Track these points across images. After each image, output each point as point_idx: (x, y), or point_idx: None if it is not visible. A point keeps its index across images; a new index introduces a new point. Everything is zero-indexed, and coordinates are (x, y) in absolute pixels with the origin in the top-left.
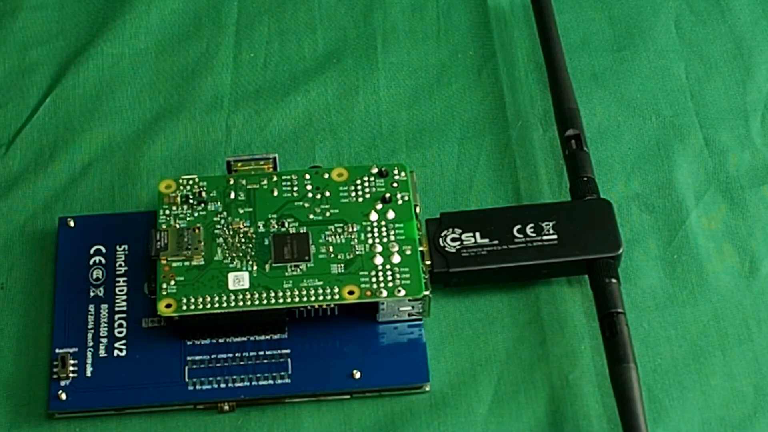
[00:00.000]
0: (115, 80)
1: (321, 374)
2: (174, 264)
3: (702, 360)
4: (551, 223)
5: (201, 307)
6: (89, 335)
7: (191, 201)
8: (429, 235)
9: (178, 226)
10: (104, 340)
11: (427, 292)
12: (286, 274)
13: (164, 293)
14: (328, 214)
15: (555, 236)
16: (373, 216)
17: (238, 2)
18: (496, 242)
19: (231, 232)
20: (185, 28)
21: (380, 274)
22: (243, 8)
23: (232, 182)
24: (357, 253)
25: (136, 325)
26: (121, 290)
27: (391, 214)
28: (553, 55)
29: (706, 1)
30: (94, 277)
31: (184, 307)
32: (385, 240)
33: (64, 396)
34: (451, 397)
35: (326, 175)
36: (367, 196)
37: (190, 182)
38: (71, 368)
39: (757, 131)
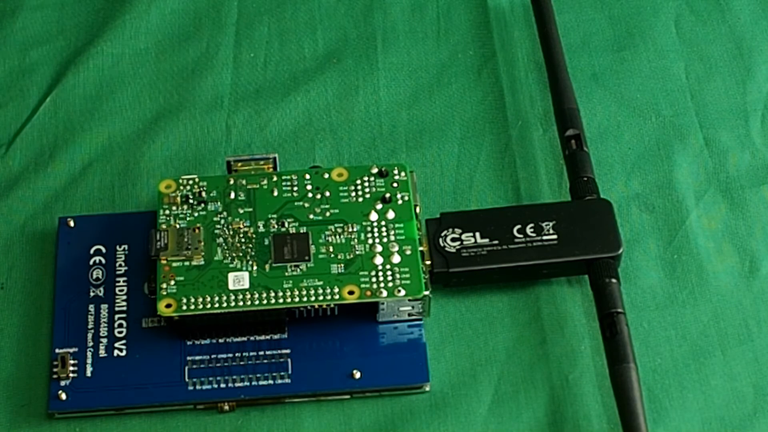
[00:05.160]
0: (115, 80)
1: (321, 374)
2: (174, 264)
3: (702, 360)
4: (551, 223)
5: (201, 307)
6: (89, 335)
7: (191, 201)
8: (429, 235)
9: (178, 226)
10: (104, 340)
11: (427, 292)
12: (286, 274)
13: (164, 293)
14: (328, 214)
15: (555, 236)
16: (373, 216)
17: (238, 2)
18: (496, 242)
19: (231, 232)
20: (185, 28)
21: (380, 274)
22: (243, 8)
23: (232, 182)
24: (357, 253)
25: (136, 325)
26: (121, 290)
27: (391, 214)
28: (553, 55)
29: (706, 1)
30: (94, 277)
31: (184, 307)
32: (385, 240)
33: (64, 396)
34: (451, 397)
35: (326, 175)
36: (367, 196)
37: (190, 182)
38: (71, 368)
39: (757, 131)
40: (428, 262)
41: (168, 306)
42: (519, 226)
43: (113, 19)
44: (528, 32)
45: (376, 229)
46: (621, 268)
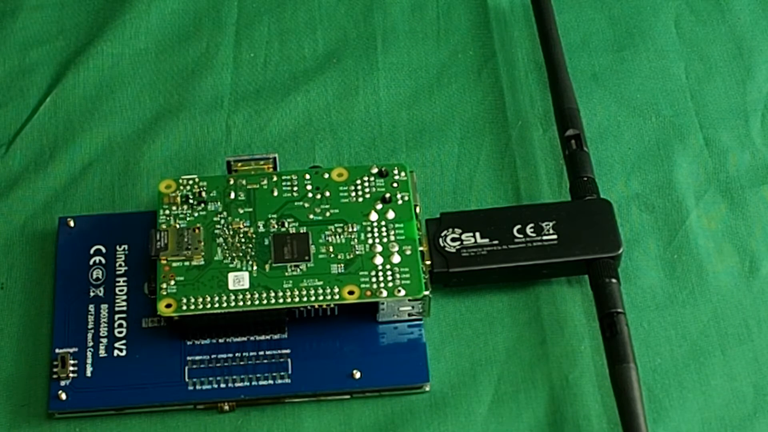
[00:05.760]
0: (115, 80)
1: (321, 374)
2: (174, 264)
3: (702, 360)
4: (551, 223)
5: (201, 307)
6: (89, 335)
7: (191, 201)
8: (429, 235)
9: (178, 226)
10: (104, 340)
11: (427, 292)
12: (286, 274)
13: (164, 293)
14: (328, 214)
15: (555, 236)
16: (373, 216)
17: (238, 2)
18: (496, 242)
19: (231, 232)
20: (185, 28)
21: (380, 274)
22: (243, 8)
23: (232, 182)
24: (357, 253)
25: (136, 325)
26: (121, 290)
27: (391, 214)
28: (553, 55)
29: (706, 1)
30: (94, 277)
31: (184, 307)
32: (385, 240)
33: (64, 396)
34: (451, 397)
35: (326, 175)
36: (367, 196)
37: (190, 182)
38: (71, 368)
39: (757, 131)
40: (428, 262)
41: (168, 306)
42: (519, 226)
43: (113, 19)
44: (528, 32)
45: (376, 229)
46: (621, 268)
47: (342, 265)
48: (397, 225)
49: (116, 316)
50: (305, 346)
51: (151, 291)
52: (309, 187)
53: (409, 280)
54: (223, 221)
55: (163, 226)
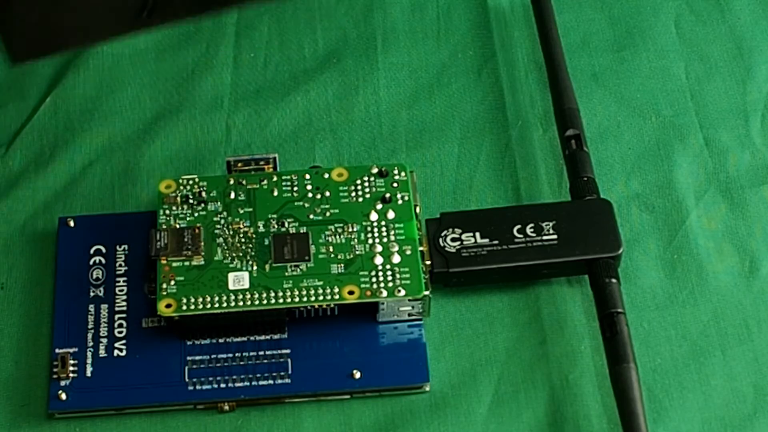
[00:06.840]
0: (115, 80)
1: (321, 374)
2: (174, 264)
3: (702, 360)
4: (551, 223)
5: (201, 307)
6: (89, 335)
7: (191, 201)
8: (429, 235)
9: (178, 226)
10: (104, 340)
11: (427, 292)
12: (286, 274)
13: (164, 293)
14: (328, 214)
15: (555, 236)
16: (373, 216)
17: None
18: (496, 242)
19: (231, 232)
20: (185, 28)
21: (380, 274)
22: (243, 8)
23: (232, 182)
24: (357, 253)
25: (136, 325)
26: (121, 290)
27: (391, 214)
28: (553, 55)
29: (706, 1)
30: (94, 277)
31: (184, 307)
32: (385, 240)
33: (64, 396)
34: (451, 397)
35: (326, 175)
36: (367, 196)
37: (190, 182)
38: (71, 368)
39: (757, 131)
40: (428, 262)
41: (168, 306)
42: (519, 226)
43: None
44: (528, 32)
45: (376, 229)
46: (621, 268)
47: (342, 265)
48: (397, 225)
49: (116, 316)
50: (305, 346)
51: (151, 291)
52: (309, 187)
53: (409, 280)
54: (223, 221)
55: (163, 226)
